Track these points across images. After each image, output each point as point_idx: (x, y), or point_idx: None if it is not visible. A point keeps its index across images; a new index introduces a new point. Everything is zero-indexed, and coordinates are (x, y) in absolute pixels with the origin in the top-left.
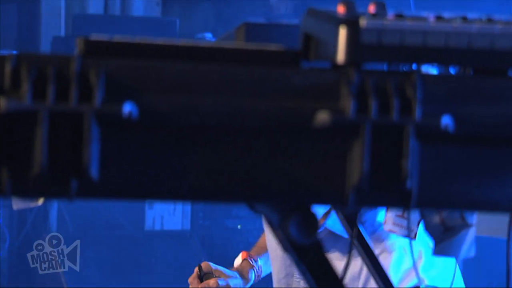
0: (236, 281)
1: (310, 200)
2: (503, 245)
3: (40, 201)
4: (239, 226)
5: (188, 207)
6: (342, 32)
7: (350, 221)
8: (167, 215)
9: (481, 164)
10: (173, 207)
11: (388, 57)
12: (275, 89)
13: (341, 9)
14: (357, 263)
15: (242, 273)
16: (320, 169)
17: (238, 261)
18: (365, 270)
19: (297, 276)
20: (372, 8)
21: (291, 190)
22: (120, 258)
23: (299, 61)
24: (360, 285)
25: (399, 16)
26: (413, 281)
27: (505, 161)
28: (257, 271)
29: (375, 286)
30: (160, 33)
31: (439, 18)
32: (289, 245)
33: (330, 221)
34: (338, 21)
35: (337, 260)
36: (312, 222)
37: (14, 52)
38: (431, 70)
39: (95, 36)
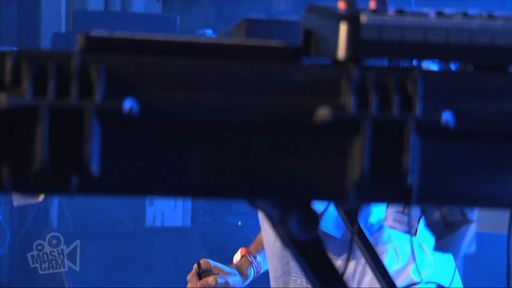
0: (235, 278)
1: (310, 196)
2: (504, 241)
3: (41, 197)
4: (239, 223)
5: (188, 203)
6: (343, 28)
7: (351, 218)
8: (168, 212)
9: (482, 160)
10: (173, 203)
11: (388, 53)
12: (275, 85)
13: (341, 5)
14: (351, 264)
15: (241, 270)
16: (320, 165)
17: (237, 257)
18: (358, 271)
19: (294, 274)
20: (372, 4)
21: (292, 186)
22: (121, 255)
23: (300, 57)
24: (355, 285)
25: (400, 12)
26: (406, 280)
27: (505, 157)
28: (256, 268)
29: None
30: (161, 30)
31: (439, 14)
32: (289, 241)
33: (324, 221)
34: (339, 17)
35: None
36: (312, 219)
37: (15, 48)
38: (432, 66)
39: (95, 32)
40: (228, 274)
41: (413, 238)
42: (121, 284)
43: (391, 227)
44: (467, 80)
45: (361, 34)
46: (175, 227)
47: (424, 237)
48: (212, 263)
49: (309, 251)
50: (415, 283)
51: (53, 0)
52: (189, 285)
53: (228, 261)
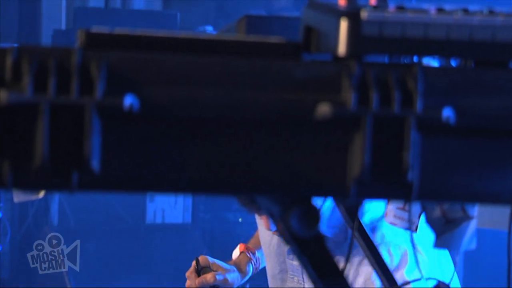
0: (234, 275)
1: (311, 193)
2: (504, 237)
3: (41, 194)
4: (240, 219)
5: (189, 200)
6: (343, 24)
7: (351, 214)
8: (168, 208)
9: (483, 156)
10: (174, 200)
11: (389, 49)
12: (276, 81)
13: (342, 1)
14: (343, 265)
15: (239, 266)
16: (321, 162)
17: (236, 253)
18: (351, 272)
19: (291, 272)
20: (373, 0)
21: (292, 183)
22: (121, 251)
23: (300, 53)
24: None
25: (400, 8)
26: (399, 281)
27: (506, 153)
28: (254, 264)
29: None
30: (161, 27)
31: (440, 10)
32: (290, 237)
33: None
34: (339, 13)
35: None
36: (313, 215)
37: (15, 45)
38: (433, 62)
39: (96, 29)
40: (226, 271)
41: (409, 241)
42: (121, 281)
43: (392, 224)
44: (468, 76)
45: (361, 30)
46: (175, 223)
47: (419, 238)
48: (211, 259)
49: (310, 247)
50: (408, 282)
51: None
52: (187, 282)
53: (228, 257)
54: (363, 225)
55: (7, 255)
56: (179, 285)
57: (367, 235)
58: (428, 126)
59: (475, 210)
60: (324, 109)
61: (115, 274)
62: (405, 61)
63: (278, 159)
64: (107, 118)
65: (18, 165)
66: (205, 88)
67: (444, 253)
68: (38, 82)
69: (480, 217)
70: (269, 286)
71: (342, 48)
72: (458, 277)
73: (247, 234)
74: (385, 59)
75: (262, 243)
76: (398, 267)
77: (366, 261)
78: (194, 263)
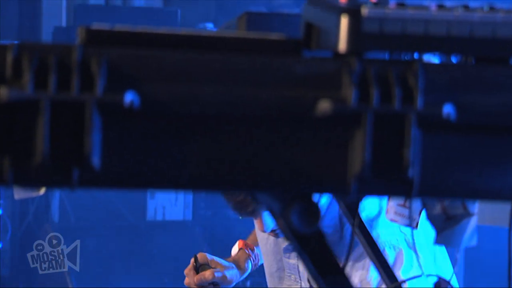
0: (233, 271)
1: (311, 189)
2: (505, 234)
3: (42, 191)
4: (240, 216)
5: (190, 197)
6: (344, 21)
7: (351, 211)
8: (169, 205)
9: (483, 153)
10: (174, 197)
11: (389, 46)
12: (276, 78)
13: None
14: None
15: (238, 263)
16: (321, 158)
17: (235, 250)
18: (347, 271)
19: (288, 271)
20: None
21: (293, 179)
22: (122, 249)
23: (301, 50)
24: None
25: (401, 4)
26: None
27: (506, 150)
28: (253, 260)
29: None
30: (162, 24)
31: (440, 6)
32: (290, 234)
33: None
34: (340, 10)
35: None
36: (313, 211)
37: (16, 42)
38: (433, 59)
39: (96, 26)
40: (225, 267)
41: (404, 240)
42: (122, 278)
43: (392, 220)
44: (468, 73)
45: (362, 27)
46: (176, 220)
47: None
48: (209, 256)
49: (310, 244)
50: (404, 281)
51: None
52: (186, 279)
53: (229, 254)
54: None
55: (8, 253)
56: (179, 282)
57: (368, 231)
58: (428, 122)
59: (476, 207)
60: (324, 105)
61: (116, 271)
62: (406, 57)
63: (279, 156)
64: (108, 114)
65: (19, 162)
66: (206, 85)
67: (442, 253)
68: (38, 79)
69: (480, 214)
70: (268, 283)
71: (342, 44)
72: (459, 274)
73: (248, 231)
74: (386, 56)
75: (259, 241)
76: (392, 267)
77: (360, 264)
78: (192, 260)
